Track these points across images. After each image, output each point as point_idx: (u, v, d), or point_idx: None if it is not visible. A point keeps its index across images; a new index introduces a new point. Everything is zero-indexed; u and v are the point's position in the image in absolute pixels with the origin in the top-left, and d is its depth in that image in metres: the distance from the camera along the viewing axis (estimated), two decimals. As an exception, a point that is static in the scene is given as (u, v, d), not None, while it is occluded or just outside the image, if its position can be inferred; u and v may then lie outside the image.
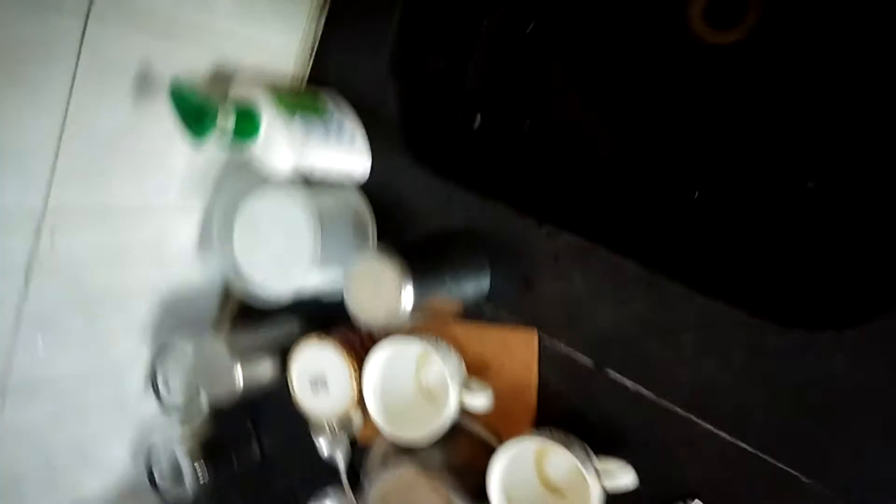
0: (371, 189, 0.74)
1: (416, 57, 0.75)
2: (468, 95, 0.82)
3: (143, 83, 0.60)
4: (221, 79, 0.65)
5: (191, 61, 0.63)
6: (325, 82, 0.75)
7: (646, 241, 0.68)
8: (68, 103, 0.56)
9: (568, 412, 0.66)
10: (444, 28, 0.78)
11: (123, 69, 0.59)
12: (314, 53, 0.76)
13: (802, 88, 0.67)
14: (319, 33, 0.75)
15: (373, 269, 0.59)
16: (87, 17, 0.54)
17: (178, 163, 0.69)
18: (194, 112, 0.56)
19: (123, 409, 0.79)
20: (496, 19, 0.80)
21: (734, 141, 0.68)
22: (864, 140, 0.66)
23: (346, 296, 0.61)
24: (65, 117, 0.57)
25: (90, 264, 0.66)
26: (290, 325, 0.77)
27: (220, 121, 0.58)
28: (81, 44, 0.54)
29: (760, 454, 0.58)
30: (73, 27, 0.54)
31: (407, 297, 0.58)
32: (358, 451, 0.78)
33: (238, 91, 0.63)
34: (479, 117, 0.83)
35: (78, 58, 0.55)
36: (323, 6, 0.74)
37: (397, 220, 0.74)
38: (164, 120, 0.63)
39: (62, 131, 0.57)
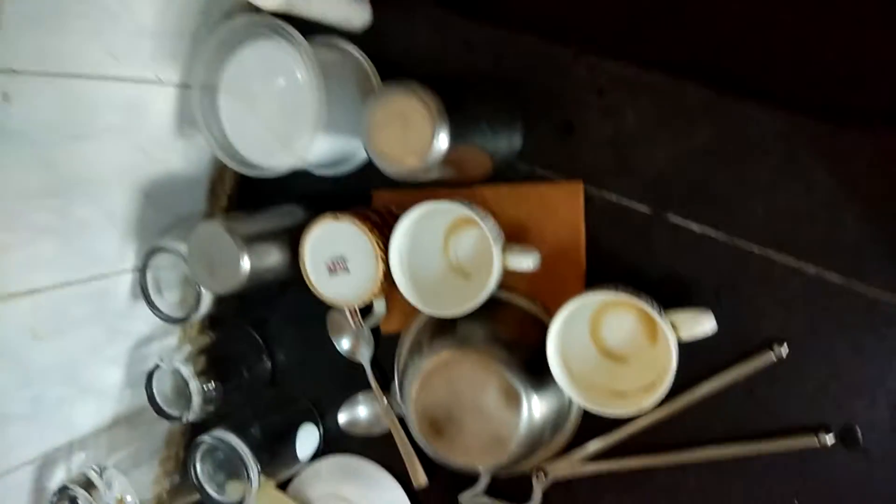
0: (373, 43, 0.64)
1: None
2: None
3: None
4: None
5: None
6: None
7: (708, 60, 0.60)
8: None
9: (624, 271, 0.59)
10: None
11: None
12: None
13: None
14: None
15: (400, 104, 0.50)
16: None
17: (148, 14, 0.58)
18: None
19: (112, 325, 0.70)
20: None
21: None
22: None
23: (366, 141, 0.51)
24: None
25: (55, 141, 0.56)
26: (295, 212, 0.67)
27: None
28: None
29: (851, 283, 0.51)
30: None
31: (441, 136, 0.49)
32: (382, 347, 0.70)
33: None
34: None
35: None
36: None
37: (409, 76, 0.64)
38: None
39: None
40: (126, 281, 0.69)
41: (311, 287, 0.63)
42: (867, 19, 0.57)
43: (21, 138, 0.53)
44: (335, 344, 0.70)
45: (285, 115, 0.61)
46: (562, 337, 0.55)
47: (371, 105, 0.51)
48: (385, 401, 0.68)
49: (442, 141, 0.50)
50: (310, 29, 0.61)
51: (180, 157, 0.68)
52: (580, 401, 0.54)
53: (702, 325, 0.51)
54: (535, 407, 0.57)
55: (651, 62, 0.55)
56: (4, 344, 0.59)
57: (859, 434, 0.52)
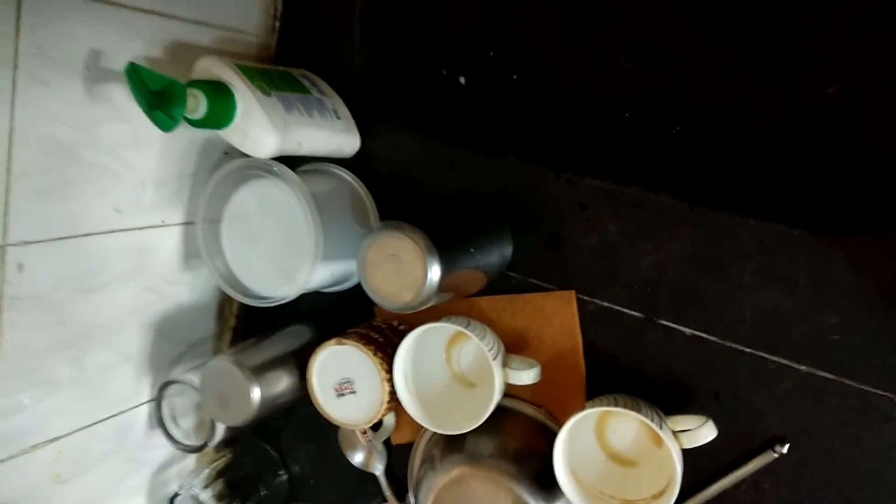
0: (365, 167, 0.68)
1: (386, 22, 0.69)
2: (448, 58, 0.76)
3: (95, 78, 0.53)
4: (182, 59, 0.57)
5: (144, 47, 0.56)
6: (294, 60, 0.68)
7: (678, 172, 0.63)
8: (12, 112, 0.49)
9: (622, 373, 0.60)
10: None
11: (69, 64, 0.52)
12: (278, 29, 0.69)
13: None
14: (280, 7, 0.69)
15: (391, 244, 0.52)
16: (19, 9, 0.47)
17: (148, 167, 0.62)
18: (158, 94, 0.49)
19: (132, 457, 0.72)
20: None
21: (745, 54, 0.63)
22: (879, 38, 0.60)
23: (362, 280, 0.54)
24: (11, 129, 0.49)
25: (66, 298, 0.59)
26: (301, 332, 0.70)
27: (190, 103, 0.51)
28: (17, 37, 0.47)
29: (844, 380, 0.52)
30: (4, 19, 0.46)
31: (433, 270, 0.52)
32: (395, 457, 0.71)
33: (204, 69, 0.55)
34: (462, 79, 0.76)
35: (16, 56, 0.47)
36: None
37: (398, 197, 0.67)
38: (125, 116, 0.56)
39: (10, 146, 0.50)
40: (143, 413, 0.71)
41: (320, 410, 0.64)
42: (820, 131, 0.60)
43: (35, 301, 0.56)
44: (348, 458, 0.71)
45: (285, 248, 0.63)
46: (569, 446, 0.57)
47: (364, 246, 0.54)
48: (402, 511, 0.69)
49: (434, 275, 0.52)
50: (304, 158, 0.65)
51: (188, 288, 0.71)
52: (590, 514, 0.55)
53: (703, 433, 0.52)
54: (548, 518, 0.58)
55: (626, 176, 0.57)
56: (27, 492, 0.61)
57: (868, 530, 0.53)
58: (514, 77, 0.74)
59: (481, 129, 0.72)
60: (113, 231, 0.61)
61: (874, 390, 0.51)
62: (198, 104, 0.52)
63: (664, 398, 0.58)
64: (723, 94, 0.63)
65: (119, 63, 0.54)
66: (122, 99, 0.56)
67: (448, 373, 0.66)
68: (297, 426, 0.76)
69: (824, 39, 0.60)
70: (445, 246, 0.54)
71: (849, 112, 0.58)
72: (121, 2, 0.53)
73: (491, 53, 0.74)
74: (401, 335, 0.62)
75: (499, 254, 0.62)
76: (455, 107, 0.74)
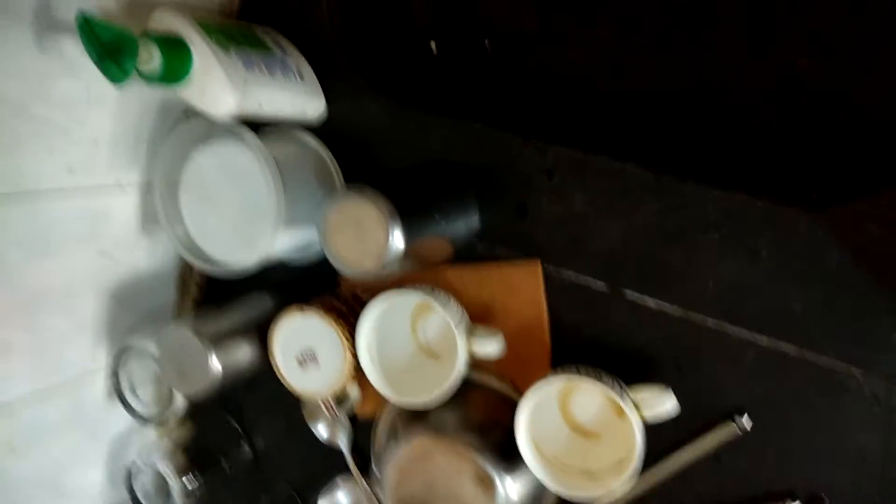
0: (330, 132, 0.66)
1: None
2: (418, 22, 0.74)
3: (46, 27, 0.50)
4: (138, 12, 0.55)
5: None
6: (258, 18, 0.65)
7: (645, 142, 0.62)
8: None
9: (587, 345, 0.60)
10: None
11: (18, 13, 0.49)
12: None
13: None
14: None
15: (353, 210, 0.51)
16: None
17: (102, 125, 0.59)
18: (109, 46, 0.46)
19: (89, 427, 0.70)
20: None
21: (718, 26, 0.62)
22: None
23: (324, 246, 0.53)
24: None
25: (19, 260, 0.57)
26: (263, 302, 0.68)
27: (142, 55, 0.48)
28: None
29: (804, 353, 0.52)
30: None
31: (396, 236, 0.51)
32: (360, 430, 0.70)
33: (160, 22, 0.53)
34: (433, 45, 0.75)
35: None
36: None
37: (365, 163, 0.66)
38: (78, 71, 0.54)
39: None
40: (100, 381, 0.69)
41: (282, 381, 0.63)
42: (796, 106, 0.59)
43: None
44: (313, 431, 0.70)
45: (246, 214, 0.62)
46: (532, 418, 0.56)
47: (325, 211, 0.52)
48: (365, 484, 0.69)
49: (397, 241, 0.51)
50: (267, 122, 0.63)
51: (146, 254, 0.69)
52: (552, 486, 0.55)
53: (663, 405, 0.52)
54: (511, 490, 0.57)
55: (594, 145, 0.57)
56: (-22, 462, 0.59)
57: (825, 502, 0.53)
58: (486, 42, 0.73)
59: (450, 96, 0.70)
60: (65, 191, 0.59)
61: (834, 363, 0.51)
62: (151, 57, 0.50)
63: (627, 369, 0.57)
64: (695, 67, 0.62)
65: (70, 13, 0.51)
66: (75, 52, 0.53)
67: (413, 344, 0.65)
68: (260, 398, 0.75)
69: (798, 12, 0.59)
70: (409, 212, 0.52)
71: (819, 85, 0.58)
72: (72, -51, 0.51)
73: (462, 19, 0.72)
74: (364, 305, 0.61)
75: (465, 222, 0.61)
76: (424, 73, 0.73)
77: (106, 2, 0.54)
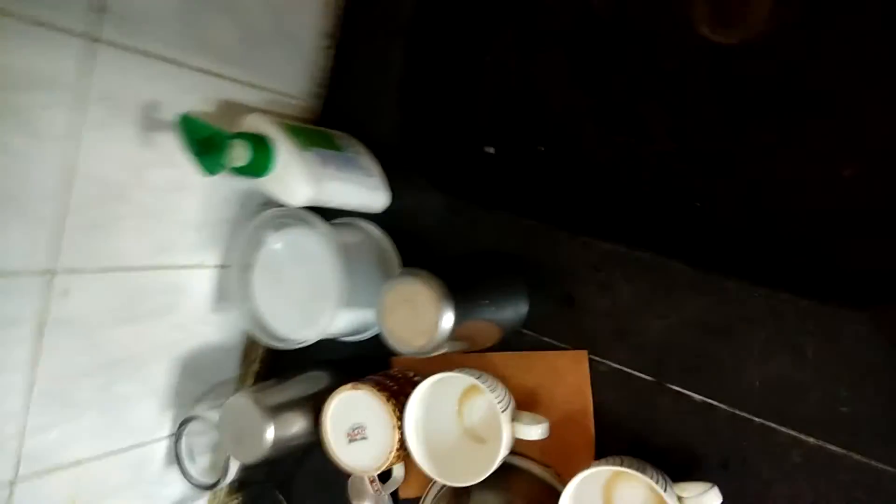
0: (393, 223, 0.72)
1: (424, 87, 0.74)
2: (480, 125, 0.80)
3: (150, 125, 0.58)
4: (231, 114, 0.63)
5: (197, 102, 0.62)
6: (335, 124, 0.73)
7: (691, 239, 0.64)
8: (78, 150, 0.54)
9: (631, 437, 0.61)
10: (451, 58, 0.77)
11: (131, 110, 0.57)
12: (323, 95, 0.75)
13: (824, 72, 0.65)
14: (328, 71, 0.75)
15: (408, 290, 0.55)
16: (95, 55, 0.53)
17: (191, 211, 0.66)
18: (205, 142, 0.54)
19: (147, 491, 0.73)
20: (500, 48, 0.80)
21: (764, 128, 0.66)
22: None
23: (379, 322, 0.56)
24: (74, 164, 0.55)
25: (105, 326, 0.63)
26: (321, 378, 0.72)
27: (233, 152, 0.55)
28: (91, 83, 0.53)
29: (853, 455, 0.52)
30: (80, 65, 0.52)
31: (446, 317, 0.54)
32: (403, 511, 0.71)
33: (249, 124, 0.61)
34: (492, 150, 0.81)
35: (86, 101, 0.53)
36: (330, 44, 0.74)
37: (422, 252, 0.70)
38: (173, 164, 0.62)
39: (72, 179, 0.55)
40: (162, 447, 0.73)
41: (331, 454, 0.65)
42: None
43: (75, 326, 0.60)
44: (356, 508, 0.71)
45: (312, 294, 0.67)
46: (575, 507, 0.56)
47: (382, 291, 0.57)
48: (406, 569, 0.69)
49: (447, 322, 0.55)
50: (337, 212, 0.69)
51: (216, 329, 0.75)
52: (591, 578, 0.54)
53: (708, 500, 0.52)
54: (550, 581, 0.57)
55: (638, 241, 0.60)
56: (45, 514, 0.63)
57: None
58: (541, 149, 0.79)
59: (504, 193, 0.75)
60: (153, 268, 0.65)
61: (883, 466, 0.51)
62: (241, 153, 0.57)
63: (672, 464, 0.57)
64: (742, 167, 0.65)
65: (172, 114, 0.59)
66: (172, 146, 0.61)
67: (459, 427, 0.67)
68: (308, 474, 0.77)
69: (844, 120, 0.62)
70: (460, 295, 0.56)
71: (860, 192, 0.60)
72: (181, 61, 0.59)
73: (519, 127, 0.79)
74: (415, 385, 0.63)
75: (514, 310, 0.64)
76: (481, 173, 0.78)
77: (204, 106, 0.62)
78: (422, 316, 0.55)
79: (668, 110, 0.69)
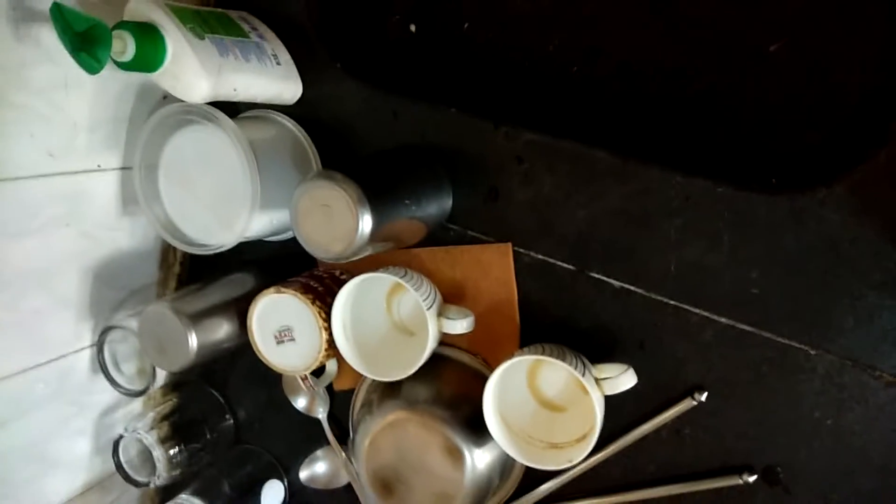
0: (308, 115, 0.67)
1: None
2: (398, 5, 0.74)
3: (24, 16, 0.51)
4: (111, 1, 0.55)
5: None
6: (234, 2, 0.66)
7: (613, 128, 0.63)
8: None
9: (554, 323, 0.62)
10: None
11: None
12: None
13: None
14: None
15: (322, 194, 0.52)
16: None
17: (81, 111, 0.60)
18: (83, 35, 0.47)
19: (75, 400, 0.72)
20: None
21: (684, 7, 0.63)
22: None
23: (295, 229, 0.54)
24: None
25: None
26: (245, 281, 0.70)
27: (116, 44, 0.49)
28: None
29: (761, 332, 0.54)
30: None
31: (365, 221, 0.52)
32: (338, 402, 0.73)
33: (133, 11, 0.54)
34: (412, 27, 0.75)
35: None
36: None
37: (341, 146, 0.67)
38: (56, 59, 0.55)
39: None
40: (85, 357, 0.71)
41: (260, 357, 0.65)
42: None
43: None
44: (292, 403, 0.73)
45: (222, 196, 0.63)
46: (500, 392, 0.59)
47: (295, 195, 0.54)
48: (343, 455, 0.71)
49: (366, 226, 0.53)
50: (247, 105, 0.64)
51: (127, 234, 0.71)
52: (516, 456, 0.57)
53: (623, 381, 0.54)
54: (479, 460, 0.60)
55: (562, 131, 0.58)
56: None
57: (780, 474, 0.56)
58: (465, 26, 0.73)
59: (425, 80, 0.71)
60: (45, 175, 0.60)
61: (790, 342, 0.54)
62: (125, 46, 0.51)
63: (593, 347, 0.60)
64: (663, 51, 0.63)
65: (45, 3, 0.52)
66: (52, 40, 0.54)
67: (389, 321, 0.67)
68: (242, 372, 0.78)
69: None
70: (379, 197, 0.54)
71: (784, 72, 0.59)
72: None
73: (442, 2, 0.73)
74: (341, 285, 0.62)
75: (438, 205, 0.62)
76: (401, 57, 0.73)
77: (80, -9, 0.55)
78: (339, 221, 0.52)
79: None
